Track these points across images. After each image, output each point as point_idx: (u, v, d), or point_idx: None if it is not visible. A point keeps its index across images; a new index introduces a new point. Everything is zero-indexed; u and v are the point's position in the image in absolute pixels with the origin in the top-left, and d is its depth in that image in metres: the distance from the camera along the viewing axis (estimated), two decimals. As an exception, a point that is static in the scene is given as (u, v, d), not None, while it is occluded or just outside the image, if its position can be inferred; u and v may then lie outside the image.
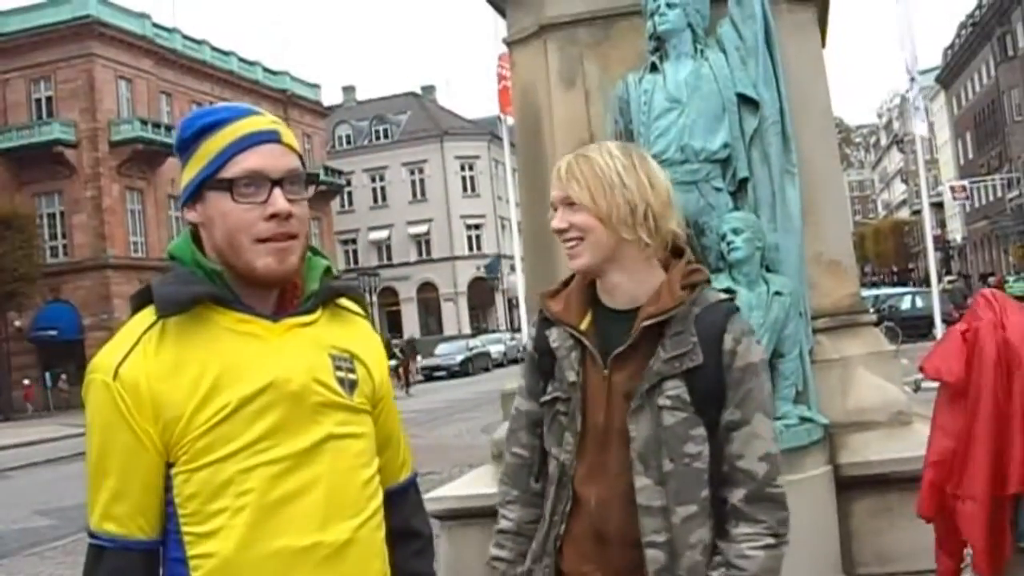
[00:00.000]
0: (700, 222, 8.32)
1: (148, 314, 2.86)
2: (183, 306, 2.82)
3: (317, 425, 2.87)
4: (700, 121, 8.30)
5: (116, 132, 70.41)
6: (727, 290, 8.05)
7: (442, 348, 72.01)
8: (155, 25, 76.12)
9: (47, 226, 69.30)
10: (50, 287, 66.77)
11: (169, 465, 2.80)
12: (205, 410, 2.75)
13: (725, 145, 8.33)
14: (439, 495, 9.72)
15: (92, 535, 2.84)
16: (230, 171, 2.86)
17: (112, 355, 2.81)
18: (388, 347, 51.16)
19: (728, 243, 8.12)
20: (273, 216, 2.84)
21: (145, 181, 72.57)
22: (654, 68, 8.45)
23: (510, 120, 34.19)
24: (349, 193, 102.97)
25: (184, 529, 2.82)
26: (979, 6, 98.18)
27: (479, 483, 9.68)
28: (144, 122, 71.36)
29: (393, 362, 49.56)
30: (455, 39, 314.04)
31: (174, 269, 2.93)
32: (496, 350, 72.74)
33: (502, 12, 10.54)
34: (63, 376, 65.79)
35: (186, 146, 2.92)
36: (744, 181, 8.41)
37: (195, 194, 2.92)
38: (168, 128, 73.49)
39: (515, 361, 66.15)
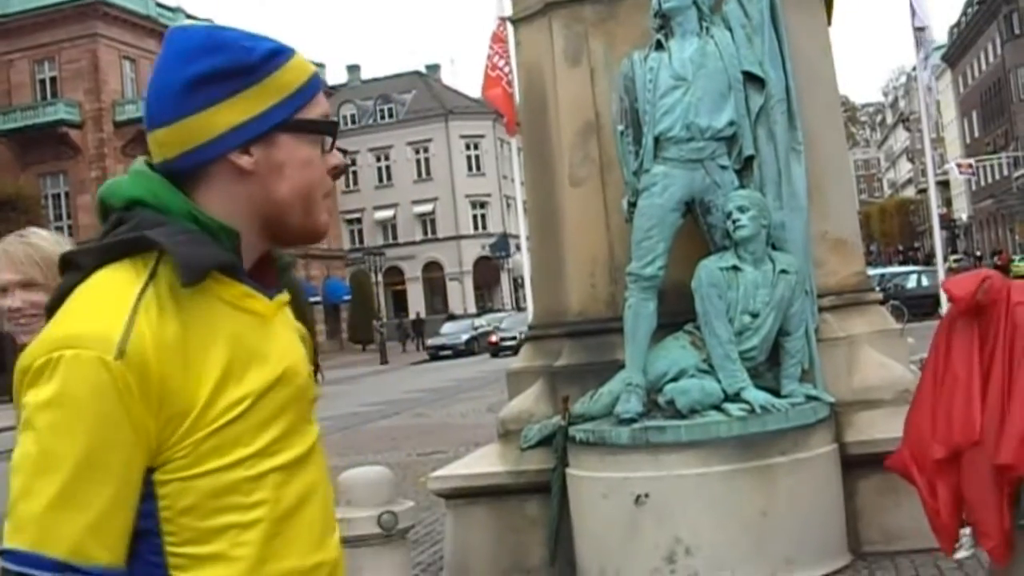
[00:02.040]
0: (706, 200, 8.32)
1: (130, 275, 2.17)
2: (204, 275, 2.20)
3: (312, 425, 2.46)
4: (706, 99, 8.30)
5: (120, 112, 70.31)
6: (733, 268, 8.07)
7: (448, 327, 71.89)
8: (159, 4, 76.01)
9: (52, 207, 69.25)
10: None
11: (149, 471, 2.16)
12: (218, 403, 2.16)
13: (731, 123, 8.33)
14: (445, 474, 9.73)
15: (57, 566, 2.03)
16: (313, 112, 2.38)
17: (106, 325, 2.08)
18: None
19: (734, 221, 8.11)
20: (334, 170, 2.48)
21: (151, 162, 72.58)
22: (659, 46, 8.44)
23: (517, 99, 34.10)
24: (354, 172, 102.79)
25: (172, 551, 2.18)
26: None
27: (485, 462, 9.68)
28: (149, 102, 71.30)
29: None
30: (459, 18, 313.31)
31: (167, 222, 2.22)
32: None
33: (506, -12, 10.51)
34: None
35: (250, 71, 2.27)
36: (750, 159, 8.41)
37: (263, 135, 2.30)
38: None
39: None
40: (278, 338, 2.38)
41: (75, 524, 2.03)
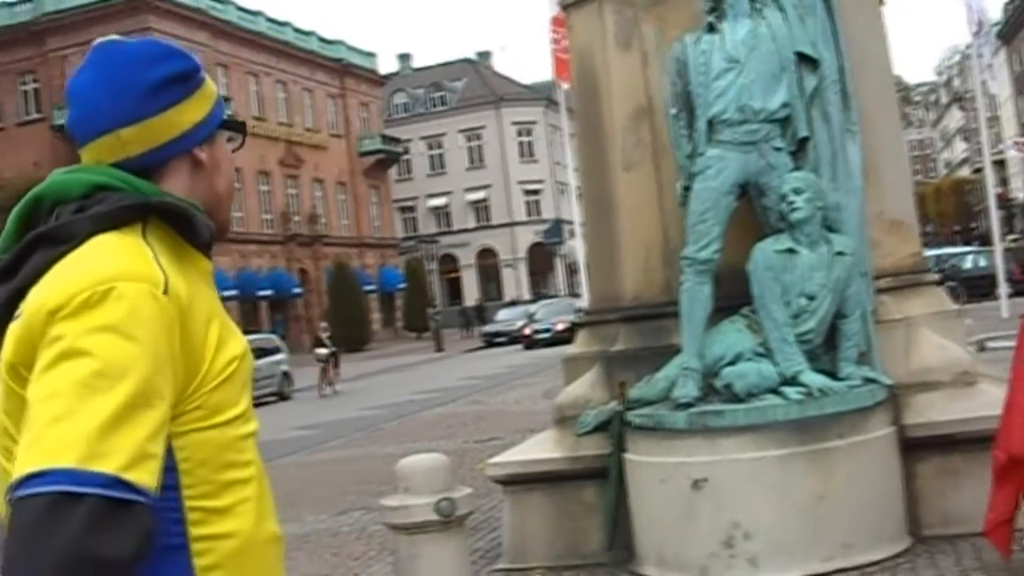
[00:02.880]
0: (760, 182, 8.28)
1: (130, 240, 2.25)
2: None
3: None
4: (759, 81, 8.26)
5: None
6: (789, 250, 8.03)
7: (502, 314, 71.88)
8: (210, -3, 76.47)
9: (108, 200, 69.86)
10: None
11: None
12: (218, 360, 2.27)
13: (784, 104, 8.28)
14: (502, 460, 9.74)
15: (108, 482, 1.92)
16: (225, 113, 2.63)
17: (143, 265, 2.17)
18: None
19: (789, 203, 8.07)
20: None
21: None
22: (711, 28, 8.41)
23: (566, 84, 34.15)
24: (407, 161, 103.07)
25: (191, 504, 2.21)
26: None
27: (542, 448, 9.69)
28: (201, 94, 71.63)
29: (323, 351, 43.62)
30: (510, 4, 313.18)
31: (148, 200, 2.31)
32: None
33: (557, -25, 10.51)
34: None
35: (196, 74, 2.52)
36: (804, 140, 8.36)
37: (209, 134, 2.52)
38: (226, 99, 73.55)
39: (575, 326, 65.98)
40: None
41: (129, 441, 1.99)
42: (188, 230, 2.35)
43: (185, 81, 2.48)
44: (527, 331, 60.12)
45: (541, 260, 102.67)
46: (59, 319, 2.05)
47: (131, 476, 1.96)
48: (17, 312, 2.18)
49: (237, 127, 2.69)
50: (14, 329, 2.16)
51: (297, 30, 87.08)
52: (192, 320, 2.22)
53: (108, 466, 1.94)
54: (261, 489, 2.38)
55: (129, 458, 1.98)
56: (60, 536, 1.88)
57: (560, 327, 55.90)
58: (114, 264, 2.14)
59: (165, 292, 2.15)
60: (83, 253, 2.19)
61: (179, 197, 2.38)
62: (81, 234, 2.23)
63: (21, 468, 1.94)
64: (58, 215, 2.31)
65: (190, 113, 2.47)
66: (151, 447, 2.03)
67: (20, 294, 2.20)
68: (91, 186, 2.34)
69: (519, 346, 58.65)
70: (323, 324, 50.11)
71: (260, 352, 42.04)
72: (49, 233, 2.26)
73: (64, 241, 2.22)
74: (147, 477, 2.00)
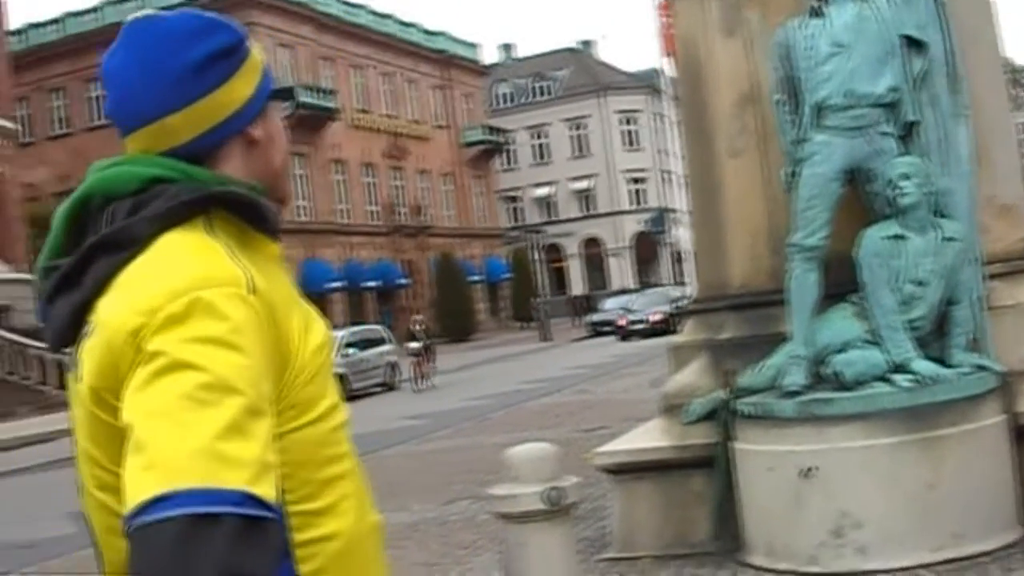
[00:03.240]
0: (868, 168, 8.21)
1: (199, 236, 2.09)
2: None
3: None
4: (865, 65, 8.18)
5: (280, 92, 71.26)
6: (897, 236, 7.95)
7: (609, 303, 71.82)
8: (313, -10, 76.99)
9: (216, 193, 70.47)
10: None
11: None
12: (307, 349, 2.15)
13: (891, 89, 8.20)
14: (610, 449, 9.74)
15: (240, 499, 1.79)
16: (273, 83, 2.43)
17: (223, 267, 2.02)
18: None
19: (897, 189, 7.99)
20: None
21: (309, 146, 73.36)
22: (816, 13, 8.34)
23: (670, 71, 34.05)
24: (511, 151, 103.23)
25: (291, 509, 2.09)
26: None
27: (650, 437, 9.67)
28: (306, 87, 72.14)
29: (414, 345, 42.46)
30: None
31: (209, 191, 2.14)
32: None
33: (660, -38, 10.49)
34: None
35: (241, 46, 2.31)
36: (912, 125, 8.27)
37: (261, 108, 2.35)
38: (331, 92, 74.31)
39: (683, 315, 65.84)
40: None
41: (250, 454, 1.84)
42: (256, 218, 2.19)
43: (230, 55, 2.27)
44: (622, 322, 59.84)
45: (647, 249, 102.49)
46: (149, 335, 1.89)
47: (259, 490, 1.82)
48: (88, 327, 2.03)
49: (285, 94, 2.53)
50: (91, 349, 2.00)
51: (400, 22, 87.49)
52: (277, 313, 2.08)
53: (236, 482, 1.80)
54: (359, 481, 2.26)
55: (254, 472, 1.84)
56: (205, 560, 1.74)
57: (655, 318, 56.72)
58: (194, 269, 1.98)
59: (252, 291, 2.00)
60: (154, 259, 2.03)
61: (240, 181, 2.22)
62: (144, 236, 2.07)
63: (139, 493, 1.76)
64: (112, 213, 2.13)
65: (239, 89, 2.28)
66: (269, 457, 1.89)
67: (87, 306, 2.05)
68: (145, 180, 2.16)
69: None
70: (417, 316, 49.06)
71: (367, 343, 42.31)
72: (109, 239, 2.09)
73: (127, 246, 2.06)
74: (270, 490, 1.86)
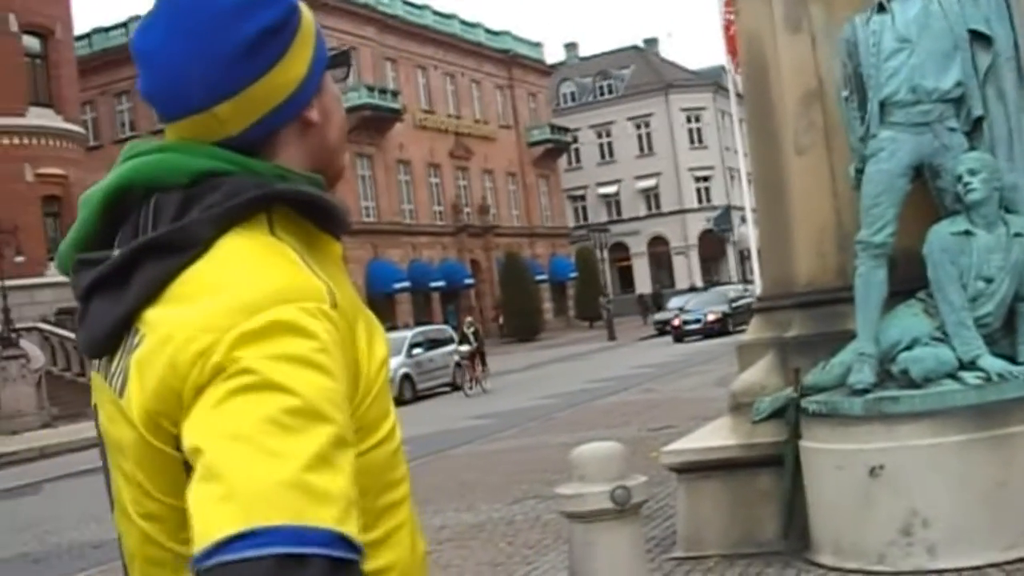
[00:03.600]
0: (935, 164, 8.15)
1: (264, 238, 1.85)
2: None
3: None
4: (931, 60, 8.13)
5: (344, 100, 71.57)
6: (965, 232, 7.89)
7: (674, 302, 71.65)
8: (377, -8, 77.29)
9: (283, 194, 70.78)
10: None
11: None
12: (373, 364, 1.93)
13: (958, 83, 8.14)
14: (677, 448, 9.72)
15: (330, 540, 1.60)
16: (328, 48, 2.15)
17: (302, 278, 1.79)
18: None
19: (964, 184, 7.93)
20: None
21: (374, 147, 73.67)
22: (881, 8, 8.29)
23: (734, 68, 33.98)
24: (576, 150, 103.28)
25: None
26: None
27: (716, 436, 9.65)
28: (371, 88, 72.43)
29: (464, 348, 41.47)
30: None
31: (267, 184, 1.89)
32: (749, 299, 72.15)
33: (724, -40, 10.47)
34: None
35: (293, 16, 2.01)
36: (979, 120, 8.21)
37: (318, 85, 2.08)
38: (395, 93, 74.54)
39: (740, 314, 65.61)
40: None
41: (337, 489, 1.64)
42: (323, 217, 1.95)
43: (282, 29, 1.98)
44: (676, 322, 58.10)
45: (712, 247, 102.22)
46: (223, 353, 1.66)
47: (347, 529, 1.63)
48: (135, 337, 1.80)
49: (342, 60, 2.21)
50: (143, 364, 1.75)
51: (463, 22, 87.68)
52: (350, 327, 1.86)
53: (325, 520, 1.60)
54: (411, 506, 2.04)
55: (342, 509, 1.64)
56: None
57: (711, 318, 55.61)
58: (270, 281, 1.75)
59: (334, 305, 1.79)
60: (221, 267, 1.78)
61: (300, 174, 1.98)
62: (204, 239, 1.81)
63: (217, 528, 1.56)
64: (156, 207, 1.88)
65: (294, 68, 2.00)
66: (354, 492, 1.69)
67: (134, 315, 1.80)
68: (197, 173, 1.90)
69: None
70: (468, 319, 47.41)
71: (434, 343, 42.43)
72: (163, 241, 1.82)
73: (185, 249, 1.80)
74: (356, 528, 1.66)
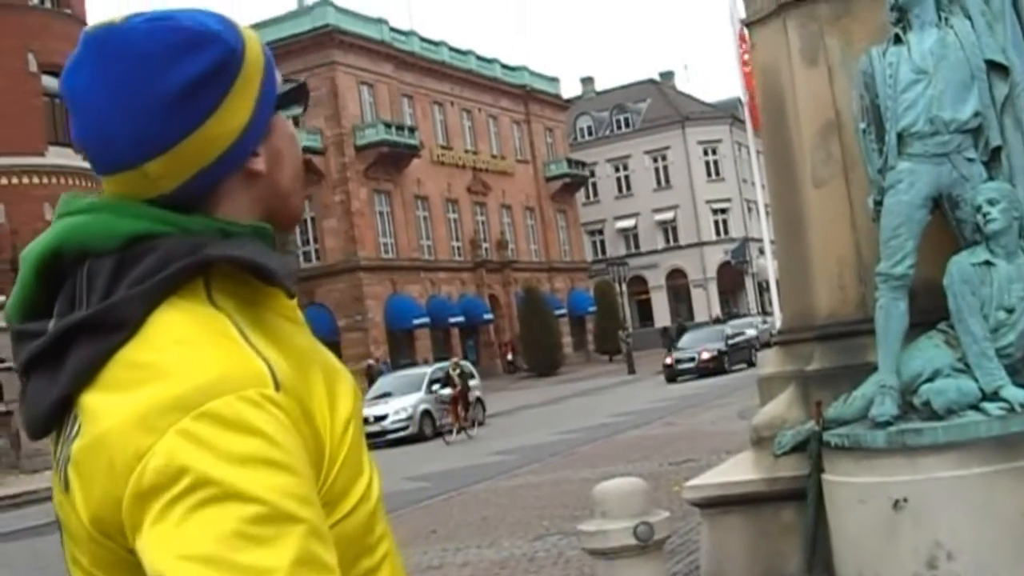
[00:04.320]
0: (953, 194, 8.14)
1: (198, 311, 1.70)
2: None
3: None
4: (948, 91, 8.12)
5: (361, 136, 71.87)
6: (986, 263, 7.87)
7: (685, 339, 71.57)
8: (392, 29, 77.57)
9: (299, 232, 70.92)
10: (305, 291, 68.48)
11: None
12: (336, 425, 1.77)
13: (976, 114, 8.13)
14: (699, 483, 9.68)
15: None
16: (278, 77, 1.96)
17: (238, 359, 1.63)
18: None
19: (984, 214, 7.91)
20: None
21: (391, 183, 73.92)
22: (898, 39, 8.29)
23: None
24: (593, 184, 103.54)
25: None
26: None
27: (739, 470, 9.62)
28: (388, 125, 72.72)
29: (447, 391, 39.64)
30: (690, 23, 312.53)
31: (203, 243, 1.73)
32: (748, 335, 71.96)
33: (738, -7, 10.49)
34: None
35: (233, 56, 1.80)
36: (997, 150, 8.19)
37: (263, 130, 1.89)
38: (412, 129, 74.77)
39: (767, 345, 65.41)
40: (323, 348, 1.94)
41: None
42: (265, 277, 1.75)
43: (217, 76, 1.78)
44: (668, 361, 55.40)
45: (731, 279, 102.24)
46: (162, 458, 1.52)
47: None
48: (74, 425, 1.65)
49: (297, 97, 2.01)
50: (83, 464, 1.61)
51: (480, 58, 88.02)
52: (304, 397, 1.71)
53: None
54: (396, 562, 1.89)
55: None
56: None
57: (705, 356, 53.86)
58: (206, 368, 1.59)
59: (279, 386, 1.63)
60: (152, 350, 1.63)
61: (244, 225, 1.82)
62: (134, 319, 1.66)
63: None
64: (89, 274, 1.73)
65: (233, 117, 1.81)
66: None
67: (69, 399, 1.66)
68: (128, 236, 1.74)
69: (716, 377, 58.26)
70: (454, 359, 44.98)
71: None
72: (92, 320, 1.67)
73: (115, 329, 1.66)
74: None
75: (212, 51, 1.77)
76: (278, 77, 1.94)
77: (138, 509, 1.52)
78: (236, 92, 1.80)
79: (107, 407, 1.59)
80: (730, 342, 56.28)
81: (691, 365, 53.84)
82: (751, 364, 52.80)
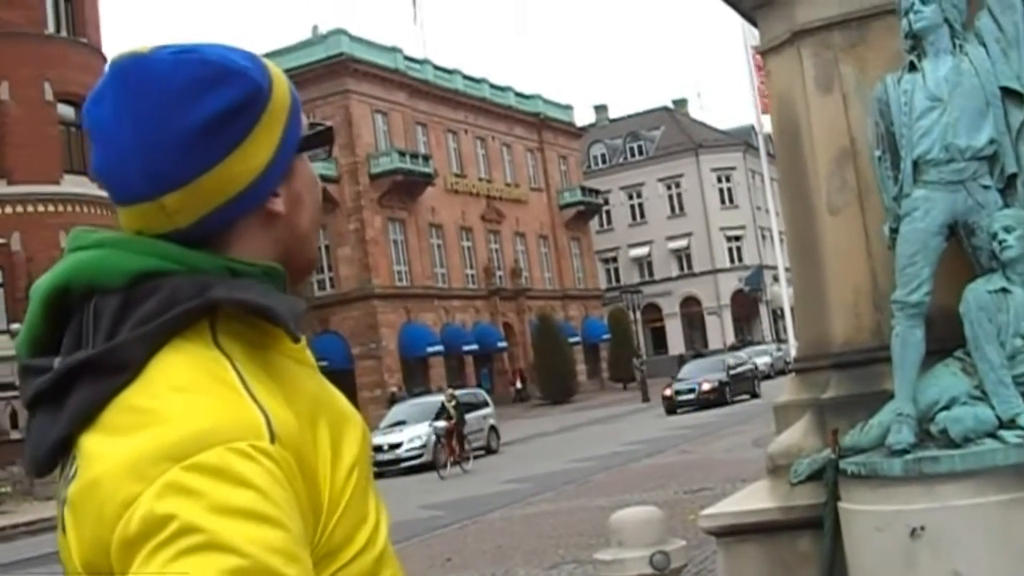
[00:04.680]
0: (970, 222, 8.12)
1: (201, 354, 1.68)
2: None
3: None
4: (963, 118, 8.12)
5: (375, 165, 72.05)
6: (1002, 290, 7.86)
7: (688, 370, 71.50)
8: (406, 58, 77.84)
9: (314, 260, 71.03)
10: (320, 319, 68.63)
11: None
12: (339, 474, 1.74)
13: (991, 141, 8.12)
14: (715, 511, 9.65)
15: None
16: (304, 120, 1.95)
17: (234, 409, 1.61)
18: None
19: (1000, 242, 7.90)
20: None
21: (406, 211, 74.07)
22: (912, 67, 8.29)
23: (766, 128, 34.13)
24: (607, 212, 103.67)
25: None
26: None
27: (755, 498, 9.58)
28: (402, 153, 72.92)
29: (441, 424, 39.45)
30: (704, 51, 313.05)
31: (211, 282, 1.72)
32: (762, 362, 71.90)
33: (753, 21, 10.49)
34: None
35: (259, 94, 1.81)
36: (1013, 177, 8.18)
37: (284, 171, 1.88)
38: (426, 157, 74.94)
39: (782, 373, 65.38)
40: (334, 390, 1.91)
41: None
42: (270, 320, 1.72)
43: (242, 113, 1.79)
44: (668, 392, 53.66)
45: (745, 306, 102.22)
46: (147, 506, 1.51)
47: None
48: (72, 466, 1.65)
49: (322, 140, 1.99)
50: (78, 507, 1.61)
51: (493, 86, 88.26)
52: (306, 456, 1.68)
53: None
54: None
55: None
56: None
57: (706, 387, 52.36)
58: (200, 417, 1.57)
59: (274, 437, 1.60)
60: (148, 396, 1.62)
61: (261, 266, 1.81)
62: (136, 362, 1.65)
63: None
64: (95, 312, 1.72)
65: (255, 155, 1.80)
66: None
67: (69, 439, 1.66)
68: (136, 274, 1.72)
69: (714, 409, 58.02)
70: (449, 391, 43.68)
71: (469, 407, 42.35)
72: (95, 361, 1.66)
73: (116, 372, 1.64)
74: None
75: (237, 87, 1.77)
76: (304, 119, 1.94)
77: (126, 555, 1.51)
78: (260, 130, 1.80)
79: (102, 451, 1.59)
80: (732, 372, 55.23)
81: (691, 396, 52.39)
82: (754, 395, 52.83)
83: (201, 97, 1.73)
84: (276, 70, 1.89)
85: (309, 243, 1.96)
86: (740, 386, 55.09)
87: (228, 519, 1.48)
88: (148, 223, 1.77)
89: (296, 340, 1.75)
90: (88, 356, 1.66)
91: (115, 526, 1.51)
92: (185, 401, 1.59)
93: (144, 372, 1.63)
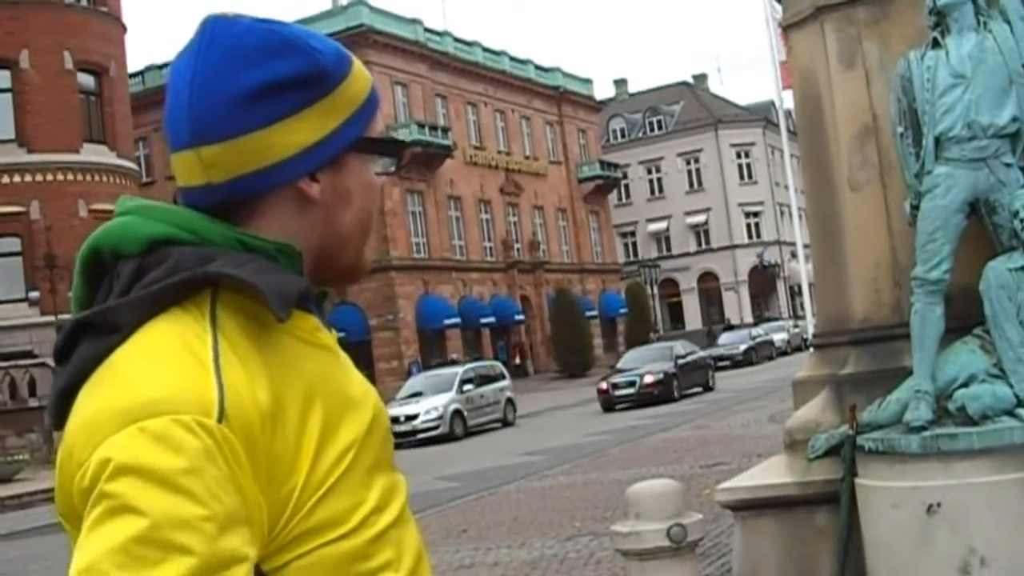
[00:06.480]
0: (991, 200, 8.11)
1: (189, 326, 1.71)
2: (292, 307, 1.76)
3: (398, 472, 1.95)
4: (986, 95, 8.10)
5: (394, 134, 71.91)
6: (1022, 268, 7.85)
7: (725, 337, 71.50)
8: (427, 30, 77.62)
9: (333, 231, 71.02)
10: (337, 290, 68.50)
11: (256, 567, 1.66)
12: (322, 463, 1.73)
13: (1014, 119, 8.10)
14: (732, 485, 9.67)
15: None
16: (376, 128, 1.98)
17: (192, 384, 1.63)
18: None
19: (1021, 220, 7.89)
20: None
21: (425, 183, 74.01)
22: (936, 44, 8.27)
23: (786, 103, 34.02)
24: (626, 186, 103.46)
25: None
26: None
27: (772, 473, 9.60)
28: (421, 125, 72.81)
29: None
30: (725, 26, 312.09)
31: (217, 255, 1.76)
32: (779, 338, 71.90)
33: (776, -4, 10.47)
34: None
35: (323, 79, 1.87)
36: (1035, 155, 8.17)
37: (335, 157, 1.90)
38: (446, 130, 74.85)
39: (799, 349, 65.29)
40: (353, 374, 1.93)
41: None
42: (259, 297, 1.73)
43: (299, 88, 1.83)
44: (604, 387, 45.79)
45: (762, 282, 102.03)
46: (90, 467, 1.57)
47: None
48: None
49: (391, 150, 2.04)
50: (59, 462, 1.69)
51: (513, 59, 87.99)
52: (277, 431, 1.69)
53: None
54: None
55: None
56: None
57: (649, 380, 44.57)
58: (155, 386, 1.61)
59: (223, 416, 1.61)
60: (128, 359, 1.67)
61: (274, 243, 1.82)
62: (126, 325, 1.70)
63: None
64: (118, 275, 1.78)
65: (300, 133, 1.84)
66: None
67: (70, 392, 1.72)
68: (149, 241, 1.78)
69: (743, 368, 57.82)
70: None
71: (485, 379, 42.43)
72: (92, 321, 1.74)
73: (108, 331, 1.71)
74: None
75: (297, 63, 1.83)
76: (379, 124, 1.99)
77: (82, 507, 1.57)
78: (312, 112, 1.84)
79: (79, 406, 1.67)
80: (681, 361, 47.61)
81: (630, 391, 44.63)
82: (708, 388, 48.41)
83: (259, 63, 1.80)
84: (363, 71, 1.96)
85: (352, 246, 1.98)
86: (690, 377, 47.99)
87: (145, 485, 1.52)
88: (187, 172, 1.84)
89: (280, 319, 1.72)
90: (87, 315, 1.75)
91: (72, 480, 1.60)
92: (150, 369, 1.64)
93: (133, 336, 1.69)
